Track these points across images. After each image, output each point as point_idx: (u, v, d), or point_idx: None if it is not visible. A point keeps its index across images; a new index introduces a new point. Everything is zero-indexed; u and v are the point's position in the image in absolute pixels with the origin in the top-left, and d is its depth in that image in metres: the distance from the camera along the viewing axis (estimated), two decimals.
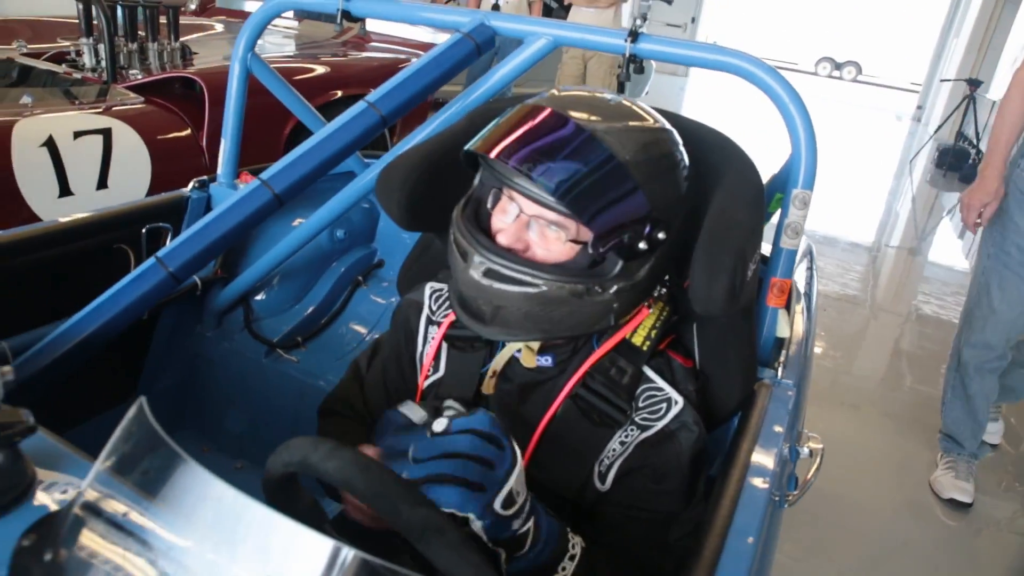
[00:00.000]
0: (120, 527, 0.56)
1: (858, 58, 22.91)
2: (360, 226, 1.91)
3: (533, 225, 0.87)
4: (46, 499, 0.62)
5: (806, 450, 1.09)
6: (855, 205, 6.54)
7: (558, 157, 0.81)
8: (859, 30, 23.54)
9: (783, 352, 1.18)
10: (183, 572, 0.52)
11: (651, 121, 0.90)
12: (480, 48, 1.29)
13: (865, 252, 5.16)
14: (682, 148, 0.93)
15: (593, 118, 0.85)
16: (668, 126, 0.92)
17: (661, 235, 0.88)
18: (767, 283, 1.19)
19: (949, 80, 10.03)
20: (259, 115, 1.85)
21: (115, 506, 0.57)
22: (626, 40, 1.20)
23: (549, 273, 0.85)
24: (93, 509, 0.57)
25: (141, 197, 2.46)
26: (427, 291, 1.10)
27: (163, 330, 1.64)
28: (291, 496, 0.75)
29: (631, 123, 0.87)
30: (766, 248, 1.20)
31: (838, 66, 22.90)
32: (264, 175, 1.24)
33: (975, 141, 8.71)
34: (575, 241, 0.87)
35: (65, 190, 2.29)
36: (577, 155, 0.82)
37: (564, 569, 0.81)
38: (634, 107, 0.91)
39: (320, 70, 3.32)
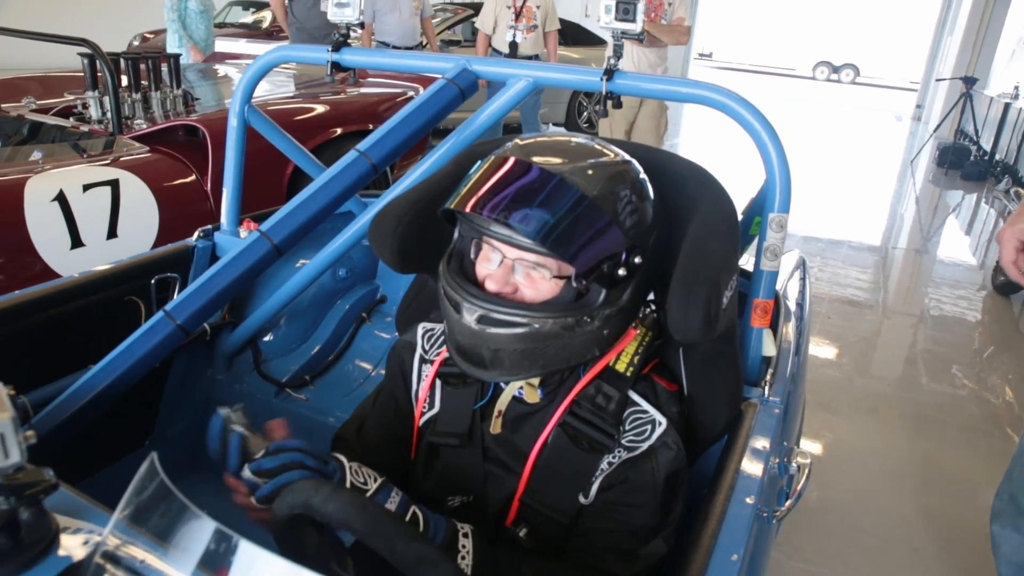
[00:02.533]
0: (138, 573, 0.61)
1: (855, 60, 22.98)
2: (361, 264, 1.97)
3: (518, 268, 0.92)
4: (69, 550, 0.67)
5: (794, 465, 1.12)
6: (859, 208, 6.57)
7: (533, 203, 0.86)
8: (855, 32, 23.62)
9: (769, 371, 1.21)
10: None
11: (612, 156, 0.95)
12: (464, 92, 1.35)
13: (872, 254, 5.18)
14: (643, 176, 0.98)
15: (559, 161, 0.90)
16: (628, 158, 0.98)
17: (637, 259, 0.93)
18: (750, 303, 1.23)
19: (945, 79, 10.07)
20: (261, 160, 1.92)
21: (133, 553, 0.62)
22: (602, 78, 1.26)
23: (539, 311, 0.90)
24: (112, 557, 0.62)
25: (150, 244, 2.56)
26: (420, 331, 1.15)
27: (175, 376, 1.69)
28: (298, 535, 0.80)
29: (594, 161, 0.92)
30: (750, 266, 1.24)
31: (836, 69, 22.98)
32: (264, 226, 1.30)
33: (975, 138, 8.73)
34: (559, 277, 0.92)
35: (77, 242, 2.36)
36: (550, 198, 0.87)
37: (464, 547, 0.91)
38: (595, 145, 0.97)
39: (319, 109, 3.40)
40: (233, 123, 1.61)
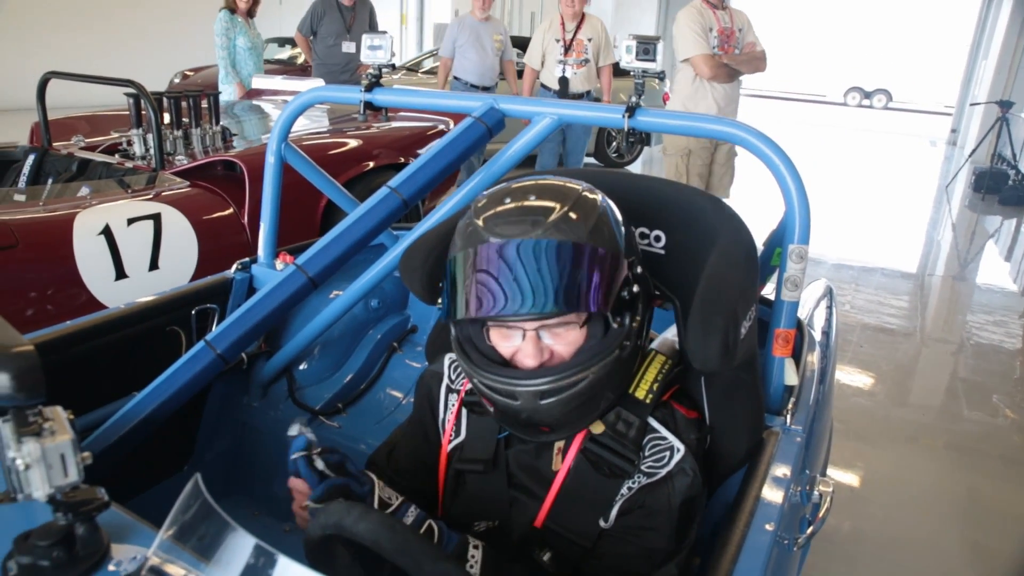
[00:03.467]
0: None
1: (888, 85, 22.79)
2: (393, 295, 2.02)
3: (543, 333, 0.94)
4: (118, 565, 0.71)
5: (817, 493, 1.13)
6: (894, 235, 6.49)
7: (535, 279, 0.87)
8: (887, 57, 23.47)
9: (791, 400, 1.23)
10: None
11: (572, 188, 0.96)
12: (491, 130, 1.41)
13: (908, 282, 5.12)
14: (591, 188, 0.99)
15: (532, 223, 0.90)
16: (579, 183, 0.98)
17: (639, 268, 0.96)
18: (771, 333, 1.25)
19: (980, 103, 9.95)
20: (295, 194, 1.99)
21: (176, 571, 0.66)
22: (624, 115, 1.30)
23: (587, 362, 0.92)
24: (158, 572, 0.67)
25: (189, 275, 2.66)
26: (446, 361, 1.18)
27: (214, 402, 1.75)
28: (331, 555, 0.84)
29: (562, 204, 0.92)
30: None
31: (868, 95, 22.81)
32: (299, 260, 1.36)
33: (1013, 161, 8.59)
34: (585, 322, 0.94)
35: (121, 273, 2.46)
36: (548, 266, 0.87)
37: (473, 557, 0.94)
38: (553, 185, 0.97)
39: (352, 144, 3.51)
40: (271, 160, 1.68)
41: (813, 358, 1.48)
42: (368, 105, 1.57)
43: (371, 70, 1.56)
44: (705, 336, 0.94)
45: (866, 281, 4.83)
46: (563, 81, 5.00)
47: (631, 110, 1.29)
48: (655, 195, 1.19)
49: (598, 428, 1.02)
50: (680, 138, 3.88)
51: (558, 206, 0.92)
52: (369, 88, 1.55)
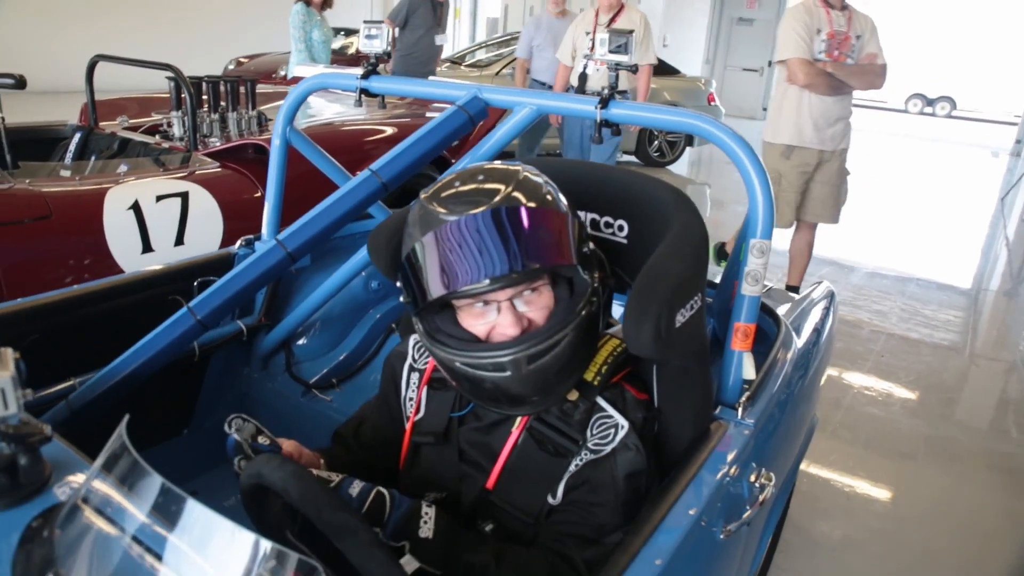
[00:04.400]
0: (106, 516, 0.71)
1: (952, 93, 22.00)
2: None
3: (517, 302, 0.98)
4: (57, 493, 0.79)
5: (758, 486, 1.15)
6: (949, 247, 6.31)
7: (496, 245, 0.91)
8: (952, 64, 22.64)
9: (746, 393, 1.24)
10: (138, 549, 0.67)
11: (516, 174, 1.00)
12: (473, 119, 1.45)
13: (961, 296, 4.96)
14: (537, 173, 1.03)
15: (485, 196, 0.95)
16: (520, 166, 1.03)
17: (591, 244, 1.02)
18: (731, 328, 1.27)
19: None
20: (310, 179, 2.07)
21: (105, 499, 0.73)
22: (596, 107, 1.33)
23: (565, 320, 0.97)
24: (88, 501, 0.73)
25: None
26: (411, 342, 1.23)
27: (213, 372, 1.84)
28: (263, 505, 0.90)
29: (507, 179, 0.98)
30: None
31: (930, 102, 22.06)
32: (280, 235, 1.43)
33: None
34: (551, 281, 0.99)
35: (147, 247, 2.59)
36: (508, 229, 0.92)
37: (427, 514, 0.98)
38: (498, 167, 1.02)
39: (388, 131, 3.61)
40: (276, 143, 1.76)
41: (787, 355, 1.49)
42: (365, 92, 1.63)
43: (370, 59, 1.62)
44: (638, 322, 0.97)
45: (922, 294, 4.71)
46: (582, 77, 4.58)
47: (604, 102, 1.32)
48: (619, 185, 1.22)
49: (574, 394, 1.05)
50: (772, 159, 3.52)
51: (503, 186, 0.97)
52: (366, 76, 1.61)
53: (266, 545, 0.64)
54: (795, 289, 3.41)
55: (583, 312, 0.98)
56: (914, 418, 3.11)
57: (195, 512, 0.68)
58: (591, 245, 1.03)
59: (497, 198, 0.95)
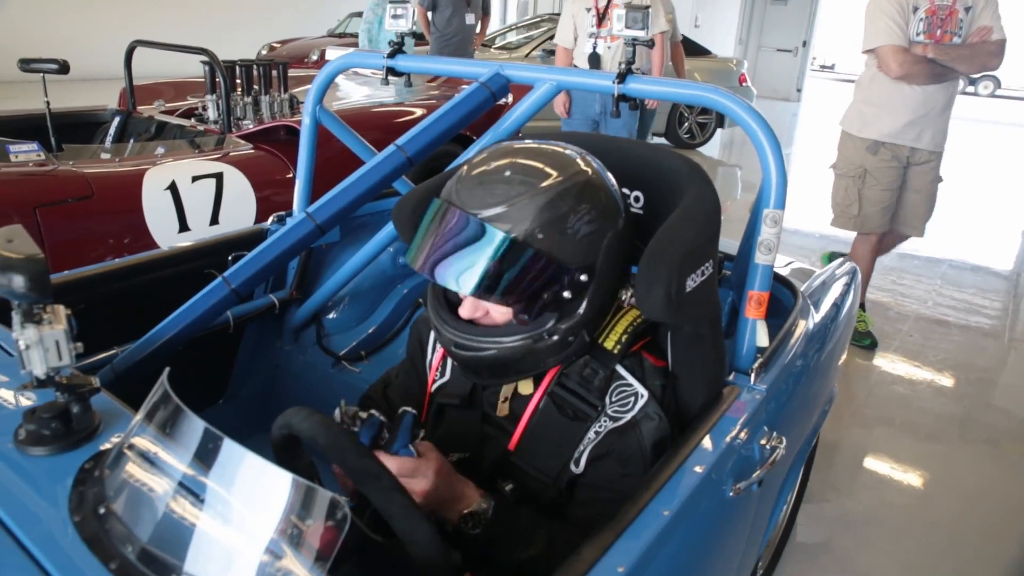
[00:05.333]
0: (146, 458, 0.78)
1: (996, 70, 21.33)
2: None
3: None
4: (105, 439, 0.86)
5: (768, 448, 1.18)
6: (987, 229, 6.18)
7: (462, 258, 0.94)
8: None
9: (757, 359, 1.28)
10: (178, 488, 0.74)
11: (555, 174, 0.98)
12: (495, 95, 1.49)
13: (999, 279, 4.87)
14: (594, 179, 1.01)
15: (492, 199, 0.95)
16: (576, 169, 1.00)
17: (583, 277, 1.00)
18: (744, 295, 1.30)
19: None
20: (344, 159, 2.12)
21: (150, 448, 0.79)
22: (614, 82, 1.36)
23: (500, 336, 1.01)
24: (133, 448, 0.80)
25: None
26: None
27: (247, 344, 1.92)
28: (292, 456, 0.96)
29: (530, 190, 0.95)
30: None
31: (972, 81, 21.42)
32: (309, 209, 1.49)
33: None
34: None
35: (184, 226, 2.68)
36: (476, 250, 0.94)
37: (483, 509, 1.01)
38: (541, 165, 0.99)
39: (417, 112, 3.66)
40: (306, 121, 1.82)
41: (803, 326, 1.52)
42: (391, 71, 1.67)
43: (393, 37, 1.67)
44: (649, 285, 1.00)
45: (929, 272, 4.66)
46: (594, 59, 3.97)
47: (621, 76, 1.35)
48: (635, 157, 1.25)
49: (526, 388, 1.12)
50: (855, 154, 3.16)
51: (528, 187, 0.96)
52: (392, 55, 1.66)
53: (300, 483, 0.70)
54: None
55: (524, 341, 1.01)
56: (941, 398, 3.09)
57: (234, 453, 0.74)
58: (581, 281, 1.00)
59: (496, 208, 0.95)
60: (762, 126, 1.26)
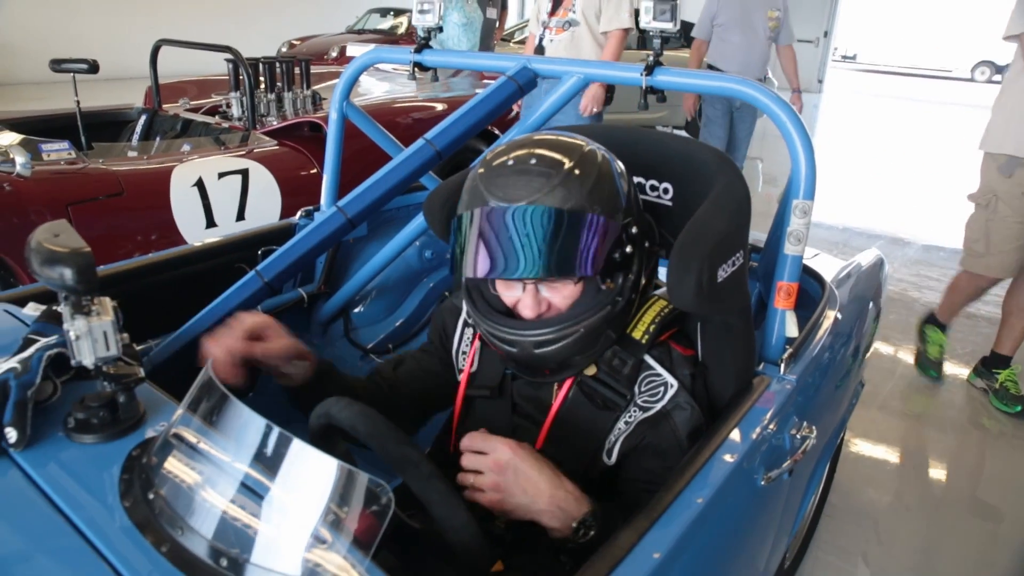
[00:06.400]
0: (191, 446, 0.80)
1: None
2: (447, 247, 2.16)
3: (541, 287, 1.03)
4: (150, 428, 0.88)
5: (799, 438, 1.18)
6: None
7: (524, 246, 0.94)
8: None
9: (788, 350, 1.28)
10: (224, 473, 0.76)
11: (570, 152, 1.00)
12: (523, 88, 1.50)
13: None
14: (595, 146, 1.03)
15: (527, 188, 0.95)
16: (581, 142, 1.03)
17: (635, 229, 1.02)
18: (774, 286, 1.30)
19: None
20: (373, 155, 2.14)
21: (190, 435, 0.81)
22: (642, 74, 1.36)
23: (580, 315, 1.01)
24: (177, 436, 0.82)
25: None
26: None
27: None
28: (330, 445, 0.98)
29: (557, 169, 0.97)
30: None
31: (1000, 70, 21.07)
32: (340, 203, 1.51)
33: None
34: (580, 279, 1.02)
35: (211, 222, 2.72)
36: (536, 234, 0.94)
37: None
38: (558, 141, 1.01)
39: (438, 107, 3.68)
40: (333, 116, 1.84)
41: (831, 317, 1.51)
42: (418, 66, 1.69)
43: (420, 32, 1.68)
44: (680, 275, 1.01)
45: (956, 265, 4.57)
46: (540, 52, 3.62)
47: (649, 68, 1.35)
48: (663, 149, 1.25)
49: (591, 371, 1.11)
50: (987, 175, 2.69)
51: (556, 169, 0.97)
52: (419, 50, 1.67)
53: (346, 469, 0.72)
54: (1005, 360, 2.89)
55: (604, 309, 1.01)
56: (967, 389, 3.06)
57: (280, 439, 0.75)
58: (633, 233, 1.02)
59: (537, 193, 0.95)
60: (791, 117, 1.26)
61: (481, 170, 1.02)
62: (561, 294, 1.02)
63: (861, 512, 2.25)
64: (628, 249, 1.02)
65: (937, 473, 2.50)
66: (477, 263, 0.96)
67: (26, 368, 0.87)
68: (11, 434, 0.82)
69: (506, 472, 0.96)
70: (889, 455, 2.58)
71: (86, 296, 0.84)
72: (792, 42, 4.40)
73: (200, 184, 2.69)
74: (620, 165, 1.05)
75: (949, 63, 22.19)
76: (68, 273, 0.81)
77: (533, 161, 0.98)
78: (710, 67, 4.34)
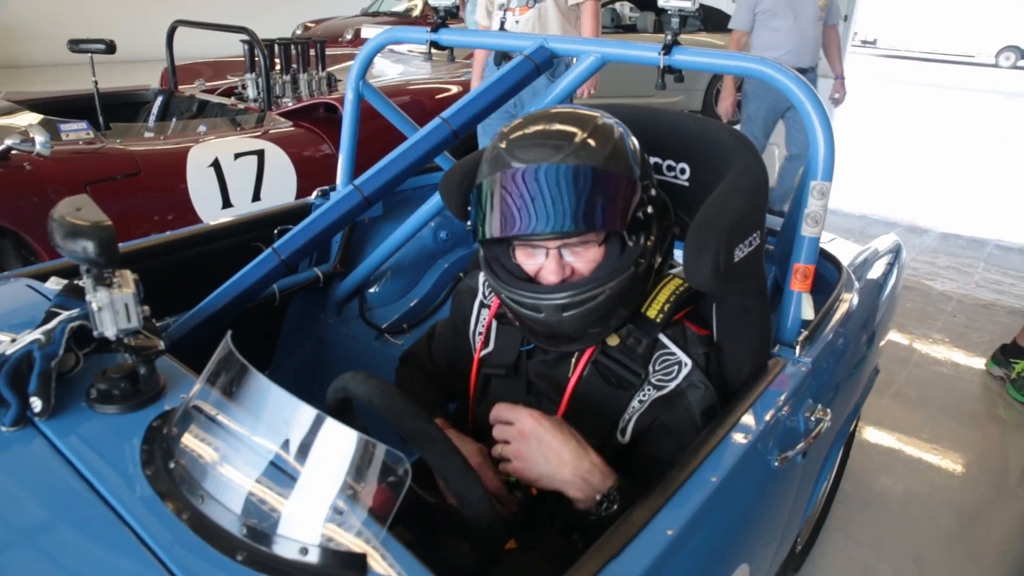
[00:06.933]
0: (210, 417, 0.81)
1: None
2: (461, 228, 2.16)
3: (564, 251, 1.03)
4: (170, 401, 0.89)
5: (813, 419, 1.18)
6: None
7: (554, 201, 0.95)
8: None
9: (803, 332, 1.27)
10: (243, 448, 0.77)
11: (588, 118, 1.02)
12: (539, 68, 1.49)
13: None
14: (618, 122, 1.06)
15: (553, 148, 0.97)
16: (595, 112, 1.05)
17: (653, 191, 1.04)
18: (790, 268, 1.29)
19: None
20: (390, 135, 2.14)
21: (210, 406, 0.82)
22: (660, 53, 1.35)
23: (605, 277, 1.01)
24: (197, 407, 0.83)
25: None
26: (480, 278, 1.30)
27: (292, 316, 1.96)
28: (346, 419, 0.98)
29: (580, 130, 0.99)
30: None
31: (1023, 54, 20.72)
32: (356, 181, 1.52)
33: None
34: (603, 240, 1.03)
35: (227, 202, 2.74)
36: (567, 188, 0.95)
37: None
38: (571, 114, 1.04)
39: (453, 90, 3.67)
40: (349, 96, 1.83)
41: (848, 300, 1.50)
42: (434, 45, 1.68)
43: (439, 12, 1.67)
44: (697, 255, 1.01)
45: (974, 253, 4.54)
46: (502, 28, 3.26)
47: (667, 48, 1.34)
48: (681, 129, 1.25)
49: (613, 340, 1.11)
50: None
51: (578, 132, 0.99)
52: (435, 29, 1.67)
53: (364, 440, 0.72)
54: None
55: (628, 271, 1.01)
56: (983, 379, 3.04)
57: (299, 410, 0.76)
58: (652, 195, 1.03)
59: (561, 153, 0.97)
60: (810, 97, 1.24)
61: (501, 142, 1.03)
62: (584, 258, 1.03)
63: (874, 500, 2.25)
64: (649, 209, 1.03)
65: (951, 462, 2.49)
66: (504, 222, 0.97)
67: (49, 339, 0.88)
68: (36, 403, 0.83)
69: (529, 440, 0.98)
70: (903, 443, 2.57)
71: (108, 269, 0.85)
72: (838, 21, 4.08)
73: (216, 164, 2.70)
74: (635, 141, 1.05)
75: (972, 48, 21.82)
76: (90, 246, 0.82)
77: (555, 126, 1.01)
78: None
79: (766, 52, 3.88)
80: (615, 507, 0.96)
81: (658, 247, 1.07)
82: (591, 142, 0.99)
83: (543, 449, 0.98)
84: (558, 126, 1.01)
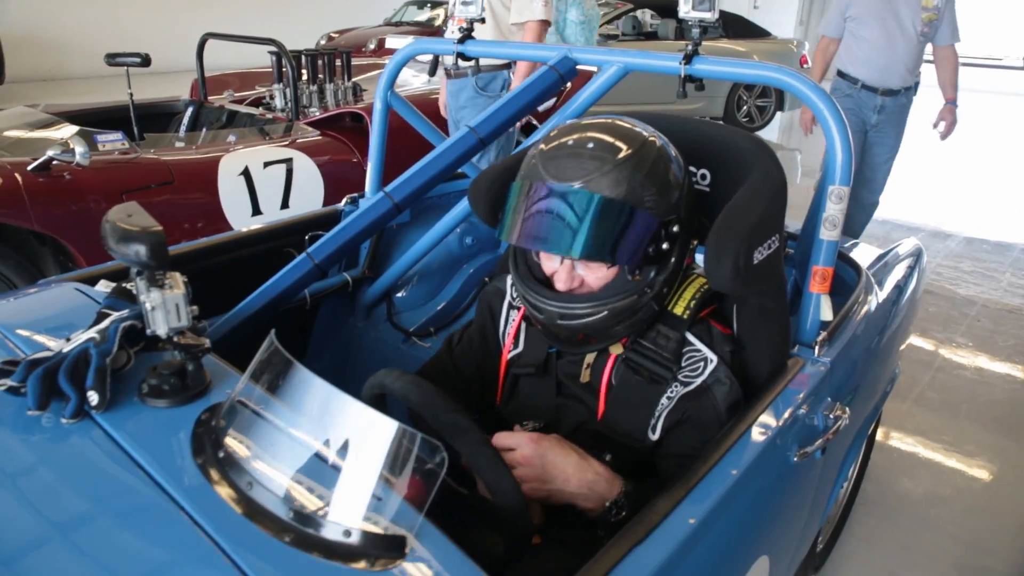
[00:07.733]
0: (255, 410, 0.86)
1: None
2: (487, 233, 2.21)
3: (577, 264, 1.07)
4: (217, 396, 0.94)
5: (832, 418, 1.21)
6: None
7: (563, 225, 0.99)
8: None
9: (821, 333, 1.30)
10: (287, 438, 0.81)
11: (630, 142, 1.03)
12: (564, 78, 1.54)
13: None
14: (662, 142, 1.07)
15: (579, 170, 1.00)
16: (646, 136, 1.06)
17: (675, 228, 1.06)
18: (809, 270, 1.32)
19: None
20: (417, 143, 2.20)
21: (255, 399, 0.87)
22: (681, 63, 1.39)
23: (606, 298, 1.06)
24: (242, 402, 0.88)
25: None
26: (508, 281, 1.34)
27: (322, 320, 2.02)
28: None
29: (612, 156, 1.01)
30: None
31: None
32: (387, 188, 1.57)
33: None
34: (613, 264, 1.07)
35: (256, 210, 2.81)
36: (577, 215, 0.98)
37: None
38: (613, 138, 1.03)
39: None
40: (377, 106, 1.89)
41: (867, 303, 1.53)
42: (461, 56, 1.73)
43: (463, 23, 1.72)
44: (717, 257, 1.04)
45: (999, 258, 4.51)
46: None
47: (688, 57, 1.38)
48: (702, 136, 1.28)
49: (617, 349, 1.15)
50: None
51: (611, 155, 1.01)
52: (461, 40, 1.72)
53: (403, 430, 0.77)
54: None
55: (630, 298, 1.05)
56: (1009, 385, 3.02)
57: (339, 401, 0.81)
58: (674, 232, 1.06)
59: (588, 177, 0.99)
60: (828, 104, 1.28)
61: (542, 146, 1.07)
62: (595, 274, 1.07)
63: (896, 499, 2.26)
64: (664, 246, 1.05)
65: (974, 467, 2.49)
66: (521, 233, 1.02)
67: (104, 338, 0.94)
68: (93, 397, 0.89)
69: (533, 463, 1.03)
70: (925, 447, 2.57)
71: (159, 271, 0.90)
72: (956, 41, 3.47)
73: (246, 173, 2.78)
74: (678, 165, 1.08)
75: (1000, 51, 21.51)
76: (142, 249, 0.88)
77: (591, 145, 1.03)
78: (840, 74, 3.61)
79: (847, 66, 3.55)
80: (624, 512, 1.01)
81: (673, 273, 1.10)
82: (623, 165, 1.01)
83: (547, 468, 1.03)
84: (597, 141, 1.03)
